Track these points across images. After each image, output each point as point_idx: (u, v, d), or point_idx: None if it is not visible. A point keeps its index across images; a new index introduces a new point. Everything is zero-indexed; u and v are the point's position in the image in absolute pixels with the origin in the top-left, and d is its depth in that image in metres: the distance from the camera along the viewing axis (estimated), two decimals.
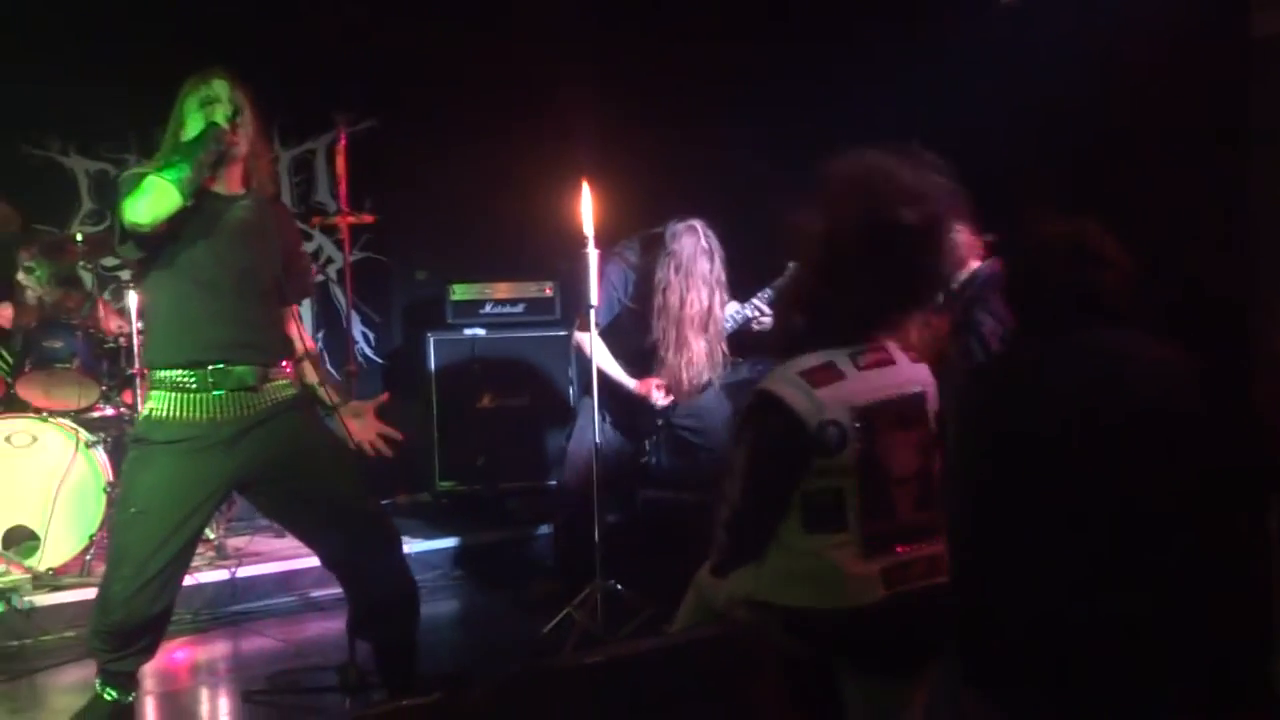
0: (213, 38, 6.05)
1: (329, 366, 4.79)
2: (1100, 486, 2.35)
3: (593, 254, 4.22)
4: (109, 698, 3.42)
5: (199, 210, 3.28)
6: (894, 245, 2.47)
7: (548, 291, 6.47)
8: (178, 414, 3.28)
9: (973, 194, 3.04)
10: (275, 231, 3.47)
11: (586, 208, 4.21)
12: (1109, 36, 4.61)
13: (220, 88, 3.31)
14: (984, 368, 2.78)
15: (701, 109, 6.33)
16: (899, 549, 2.60)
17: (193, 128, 3.28)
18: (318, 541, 3.56)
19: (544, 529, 5.78)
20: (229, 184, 3.39)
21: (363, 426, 3.59)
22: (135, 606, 3.28)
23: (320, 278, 6.60)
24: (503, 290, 6.44)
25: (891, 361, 2.70)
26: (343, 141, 5.59)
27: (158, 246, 3.29)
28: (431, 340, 6.27)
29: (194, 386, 3.29)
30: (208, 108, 3.29)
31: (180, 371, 3.30)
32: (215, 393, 3.29)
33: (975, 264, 3.40)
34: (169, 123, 3.38)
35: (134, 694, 3.50)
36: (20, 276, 5.43)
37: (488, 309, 6.40)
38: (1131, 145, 4.54)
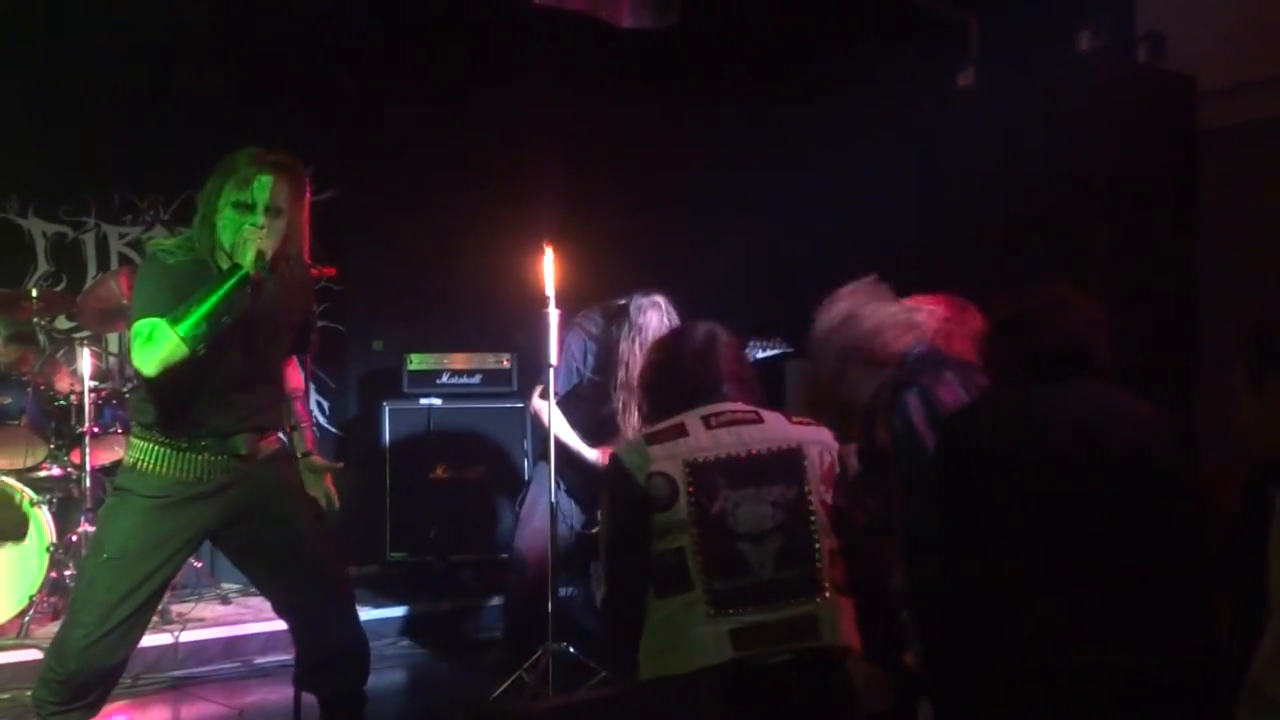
0: (172, 106, 6.10)
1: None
2: (1082, 533, 2.37)
3: (553, 314, 4.23)
4: None
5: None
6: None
7: (505, 363, 6.46)
8: (163, 470, 3.24)
9: (929, 266, 3.14)
10: (293, 303, 3.41)
11: (548, 269, 4.23)
12: (1062, 123, 4.73)
13: (261, 191, 3.13)
14: (961, 416, 2.80)
15: (662, 185, 6.43)
16: (754, 608, 2.62)
17: (225, 228, 3.14)
18: (272, 586, 3.51)
19: (495, 600, 5.71)
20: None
21: (312, 483, 3.56)
22: (92, 656, 3.20)
23: None
24: (460, 361, 6.43)
25: (755, 420, 2.79)
26: (307, 194, 5.60)
27: None
28: (387, 409, 6.24)
29: (184, 445, 3.25)
30: (241, 213, 3.13)
31: (173, 434, 3.25)
32: (205, 455, 3.27)
33: (902, 348, 3.36)
34: (202, 199, 3.22)
35: None
36: None
37: (444, 379, 6.38)
38: (1082, 226, 4.64)
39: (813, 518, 2.71)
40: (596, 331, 4.79)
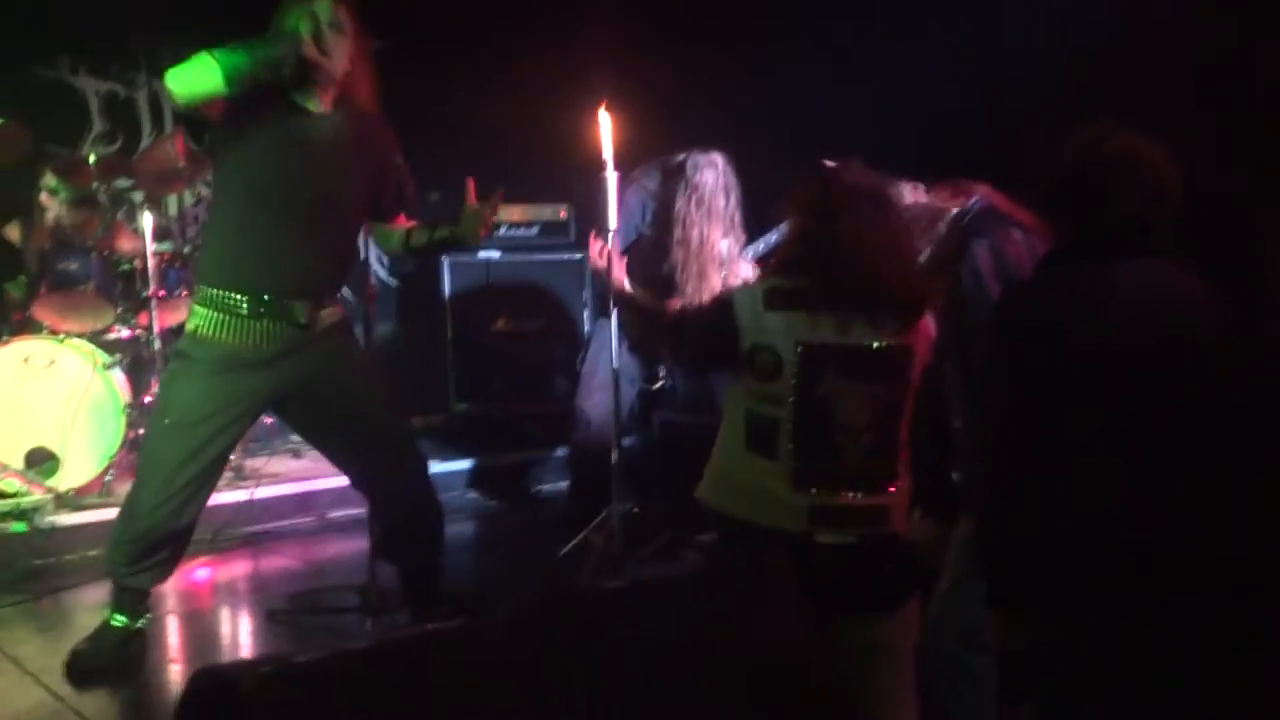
0: None
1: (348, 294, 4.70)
2: (1137, 416, 2.35)
3: (611, 178, 4.18)
4: (117, 624, 3.45)
5: (282, 126, 3.22)
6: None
7: (562, 215, 6.44)
8: (222, 336, 3.27)
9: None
10: (365, 151, 3.40)
11: (605, 132, 4.15)
12: None
13: (323, 6, 3.20)
14: (1020, 293, 2.74)
15: (722, 37, 6.24)
16: (835, 492, 2.63)
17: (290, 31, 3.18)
18: (346, 461, 3.58)
19: (559, 451, 5.80)
20: (322, 103, 3.30)
21: (476, 218, 3.56)
22: (161, 516, 3.30)
23: None
24: (517, 213, 6.40)
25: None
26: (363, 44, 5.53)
27: (229, 153, 3.25)
28: (446, 263, 6.26)
29: (244, 311, 3.27)
30: (301, 20, 3.19)
31: (233, 294, 3.27)
32: (264, 321, 3.28)
33: (962, 201, 3.31)
34: (267, 40, 3.25)
35: (145, 619, 3.52)
36: (44, 198, 5.42)
37: (502, 231, 6.36)
38: (1141, 102, 4.36)
39: (904, 414, 2.71)
40: (654, 188, 4.76)
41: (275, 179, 3.23)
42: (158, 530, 3.32)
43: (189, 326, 3.35)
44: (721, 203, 4.60)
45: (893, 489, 2.71)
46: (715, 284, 4.60)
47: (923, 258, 3.27)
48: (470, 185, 3.55)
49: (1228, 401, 2.37)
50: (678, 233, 4.60)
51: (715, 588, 2.50)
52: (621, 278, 4.47)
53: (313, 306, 3.34)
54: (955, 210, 3.37)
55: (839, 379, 2.64)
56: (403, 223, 3.60)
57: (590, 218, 5.19)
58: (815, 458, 2.65)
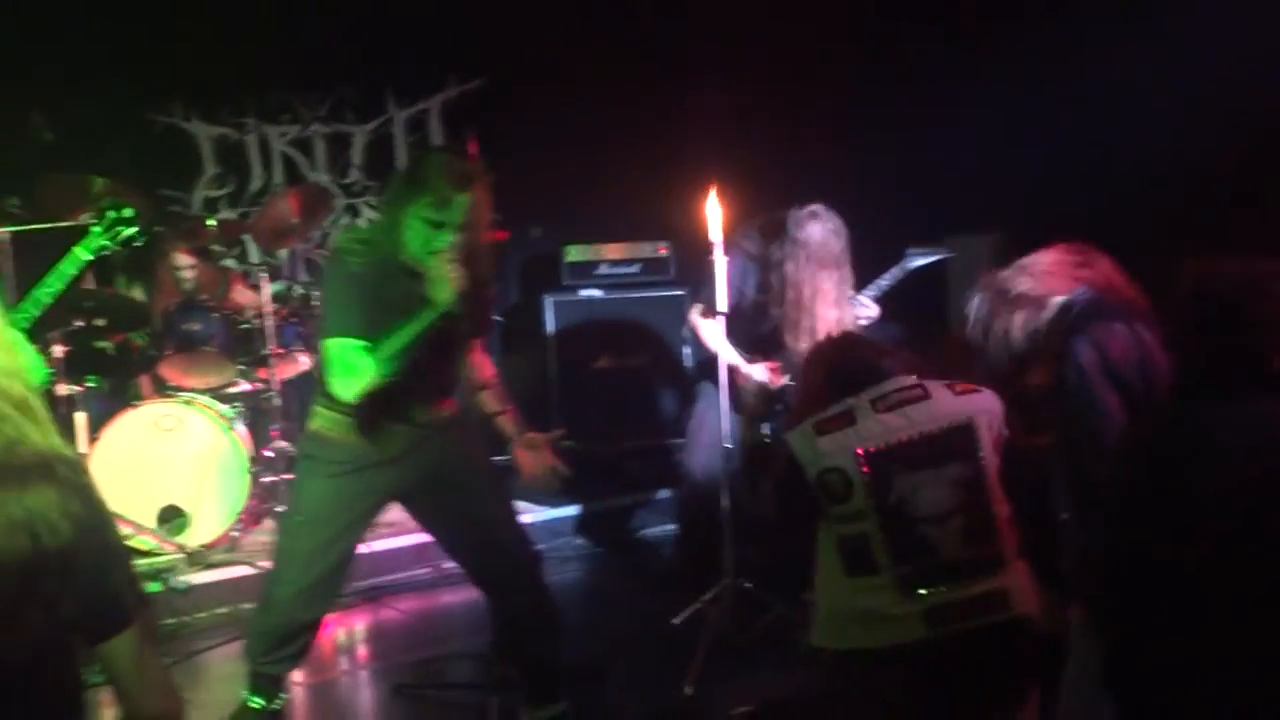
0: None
1: None
2: (1256, 559, 2.36)
3: (720, 260, 4.21)
4: (255, 705, 3.57)
5: (405, 281, 3.25)
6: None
7: (662, 251, 6.50)
8: (344, 437, 3.38)
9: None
10: (470, 293, 3.39)
11: (714, 213, 4.18)
12: None
13: (459, 210, 3.17)
14: (1144, 423, 2.76)
15: (823, 90, 6.25)
16: (944, 586, 2.70)
17: (413, 239, 3.20)
18: (462, 557, 3.68)
19: (664, 493, 5.88)
20: None
21: (536, 458, 3.56)
22: (295, 609, 3.46)
23: None
24: (617, 251, 6.49)
25: (923, 397, 2.82)
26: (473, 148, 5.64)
27: None
28: (549, 302, 6.38)
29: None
30: (433, 229, 3.18)
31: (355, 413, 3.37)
32: (384, 426, 3.37)
33: (1065, 293, 3.31)
34: (390, 201, 3.35)
35: (282, 699, 3.64)
36: (183, 274, 5.58)
37: (603, 270, 6.46)
38: None
39: (989, 491, 2.77)
40: (755, 250, 4.70)
41: (395, 323, 3.24)
42: (292, 622, 3.48)
43: (313, 426, 3.46)
44: (832, 250, 4.51)
45: (1004, 571, 2.76)
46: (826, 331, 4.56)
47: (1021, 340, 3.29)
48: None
49: None
50: (790, 293, 4.50)
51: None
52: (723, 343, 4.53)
53: (429, 406, 3.43)
54: (1060, 300, 3.38)
55: (908, 474, 2.74)
56: (480, 350, 3.64)
57: (690, 253, 5.20)
58: (913, 559, 2.72)
